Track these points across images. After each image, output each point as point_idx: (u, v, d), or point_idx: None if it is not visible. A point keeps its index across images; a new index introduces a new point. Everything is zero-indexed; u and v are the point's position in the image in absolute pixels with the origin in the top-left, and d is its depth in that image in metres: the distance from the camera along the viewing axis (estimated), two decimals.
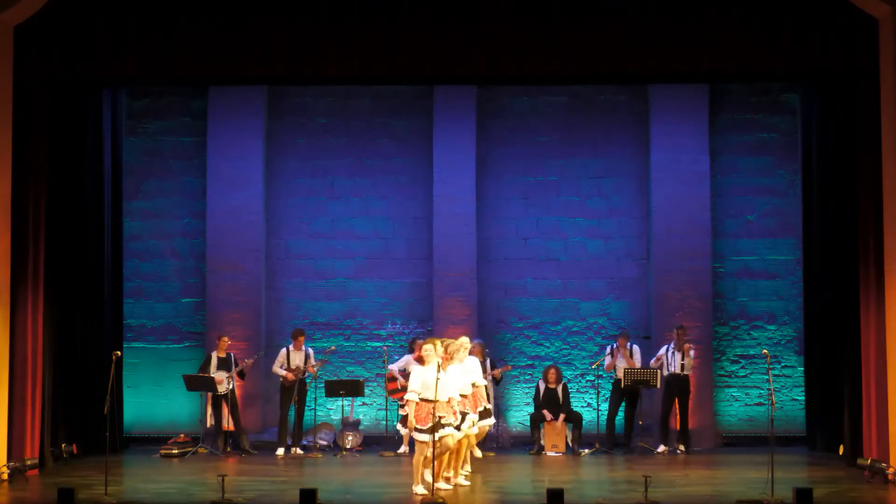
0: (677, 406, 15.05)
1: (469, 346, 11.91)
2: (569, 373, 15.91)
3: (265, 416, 16.04)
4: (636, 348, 15.25)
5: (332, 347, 15.65)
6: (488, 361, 14.58)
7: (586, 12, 12.53)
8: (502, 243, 16.46)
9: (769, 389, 11.23)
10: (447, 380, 10.99)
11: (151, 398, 16.14)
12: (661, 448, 14.82)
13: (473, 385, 11.70)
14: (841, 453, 13.40)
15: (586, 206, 16.41)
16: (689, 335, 15.27)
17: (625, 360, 15.00)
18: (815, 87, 14.58)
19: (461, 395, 11.34)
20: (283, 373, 14.90)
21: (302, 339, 15.01)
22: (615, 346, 15.23)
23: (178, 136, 16.54)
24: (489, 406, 12.09)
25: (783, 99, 16.27)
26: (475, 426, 11.65)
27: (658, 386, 14.81)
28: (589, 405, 15.89)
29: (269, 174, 16.42)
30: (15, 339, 12.48)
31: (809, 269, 15.02)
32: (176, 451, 14.41)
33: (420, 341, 11.96)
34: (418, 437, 10.93)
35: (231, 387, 14.88)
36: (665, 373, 15.00)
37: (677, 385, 15.03)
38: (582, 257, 16.39)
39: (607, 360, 15.17)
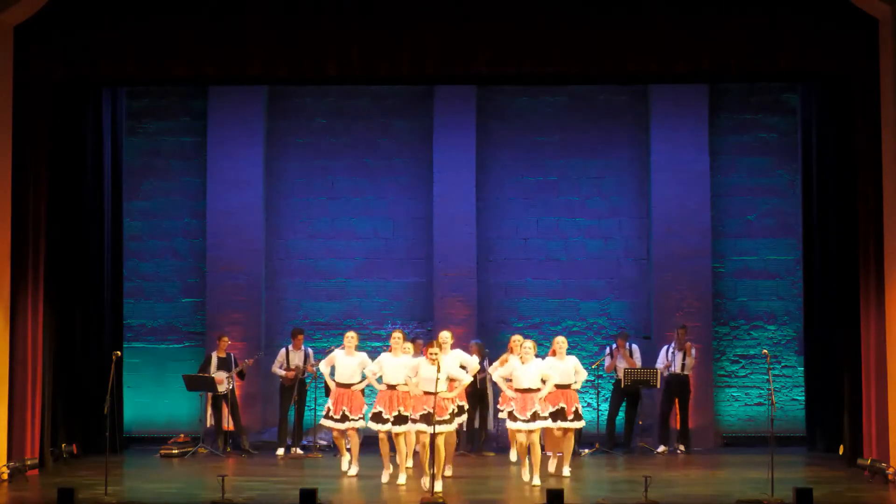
0: (677, 406, 15.05)
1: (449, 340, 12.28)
2: None
3: (265, 416, 16.04)
4: (635, 348, 15.24)
5: (332, 348, 15.61)
6: (487, 361, 14.57)
7: (586, 12, 12.53)
8: (502, 243, 16.46)
9: (769, 389, 11.23)
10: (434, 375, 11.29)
11: (151, 398, 16.13)
12: (661, 448, 14.82)
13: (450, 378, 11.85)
14: (841, 453, 13.40)
15: (586, 206, 16.41)
16: (689, 335, 15.27)
17: (624, 361, 14.99)
18: (815, 87, 14.57)
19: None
20: (283, 373, 14.90)
21: (301, 337, 15.00)
22: (614, 346, 15.23)
23: (178, 136, 16.54)
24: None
25: (783, 99, 16.27)
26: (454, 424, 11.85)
27: (658, 386, 14.81)
28: (589, 405, 15.88)
29: (269, 174, 16.42)
30: (15, 339, 12.48)
31: (809, 269, 15.01)
32: (176, 451, 14.41)
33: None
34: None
35: (231, 387, 14.88)
36: (665, 373, 15.00)
37: (677, 385, 15.03)
38: (582, 257, 16.39)
39: (607, 360, 15.16)
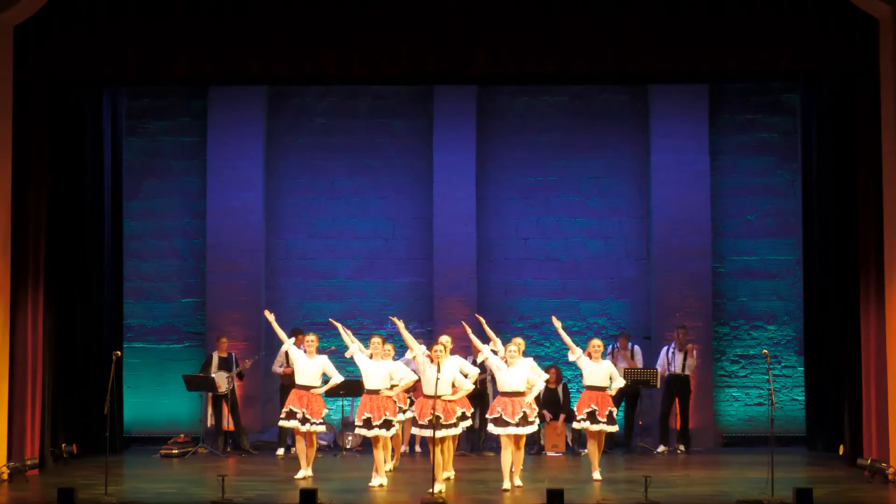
0: (677, 406, 15.06)
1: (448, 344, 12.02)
2: (569, 373, 15.90)
3: (265, 416, 16.05)
4: (637, 349, 15.26)
5: (332, 348, 15.62)
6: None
7: (586, 12, 12.53)
8: (502, 243, 16.46)
9: (769, 389, 11.23)
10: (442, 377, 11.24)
11: (151, 398, 16.13)
12: (661, 448, 14.83)
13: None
14: (841, 453, 13.40)
15: (586, 206, 16.42)
16: (690, 335, 15.27)
17: (625, 361, 15.00)
18: (815, 87, 14.58)
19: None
20: (282, 371, 14.88)
21: (301, 337, 14.95)
22: (615, 346, 15.25)
23: (178, 136, 16.55)
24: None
25: (783, 99, 16.27)
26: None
27: (658, 386, 14.84)
28: None
29: (269, 174, 16.43)
30: (15, 339, 12.47)
31: (809, 269, 15.02)
32: (176, 451, 14.42)
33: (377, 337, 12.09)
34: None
35: (231, 387, 14.88)
36: (665, 373, 15.01)
37: (677, 385, 15.04)
38: (582, 257, 16.39)
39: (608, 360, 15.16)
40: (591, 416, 12.18)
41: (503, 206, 16.46)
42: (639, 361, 15.11)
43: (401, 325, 12.09)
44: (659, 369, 14.96)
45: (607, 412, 12.19)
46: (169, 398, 16.06)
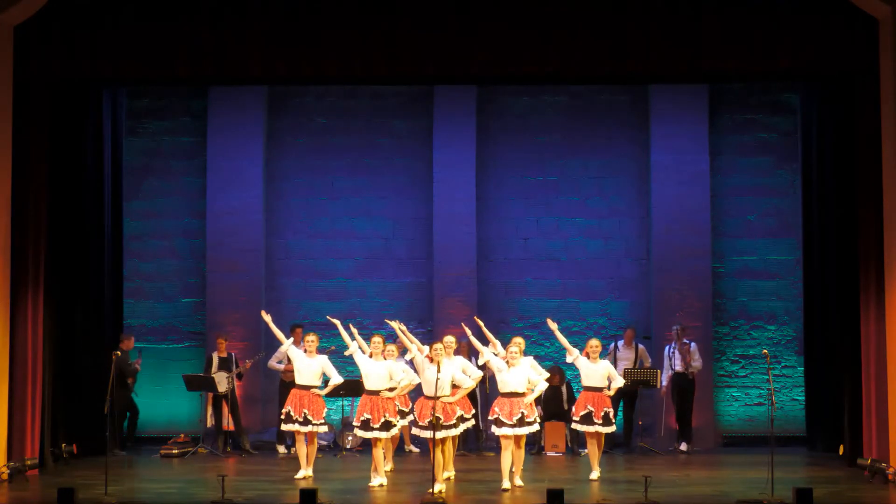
0: (675, 404, 15.09)
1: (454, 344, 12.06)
2: (569, 373, 15.90)
3: (265, 416, 16.05)
4: (642, 348, 15.27)
5: (332, 348, 15.63)
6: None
7: (586, 12, 12.54)
8: (502, 243, 16.46)
9: (769, 389, 11.24)
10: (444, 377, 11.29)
11: (151, 398, 16.12)
12: (684, 445, 14.85)
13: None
14: (841, 453, 13.40)
15: (586, 206, 16.42)
16: (687, 334, 15.26)
17: (628, 358, 15.03)
18: (815, 87, 14.58)
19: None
20: (281, 367, 14.86)
21: (299, 331, 14.91)
22: (616, 344, 15.26)
23: (178, 136, 16.55)
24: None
25: (783, 99, 16.28)
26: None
27: (658, 386, 14.86)
28: None
29: (269, 174, 16.43)
30: (15, 339, 12.48)
31: (809, 269, 15.02)
32: (176, 451, 14.42)
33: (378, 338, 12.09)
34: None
35: (231, 387, 14.88)
36: (669, 372, 15.04)
37: (679, 384, 15.03)
38: (582, 257, 16.39)
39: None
40: (587, 418, 12.16)
41: (503, 206, 16.46)
42: (647, 360, 15.16)
43: (396, 326, 12.07)
44: (668, 373, 15.00)
45: (603, 413, 12.16)
46: (169, 398, 16.06)
